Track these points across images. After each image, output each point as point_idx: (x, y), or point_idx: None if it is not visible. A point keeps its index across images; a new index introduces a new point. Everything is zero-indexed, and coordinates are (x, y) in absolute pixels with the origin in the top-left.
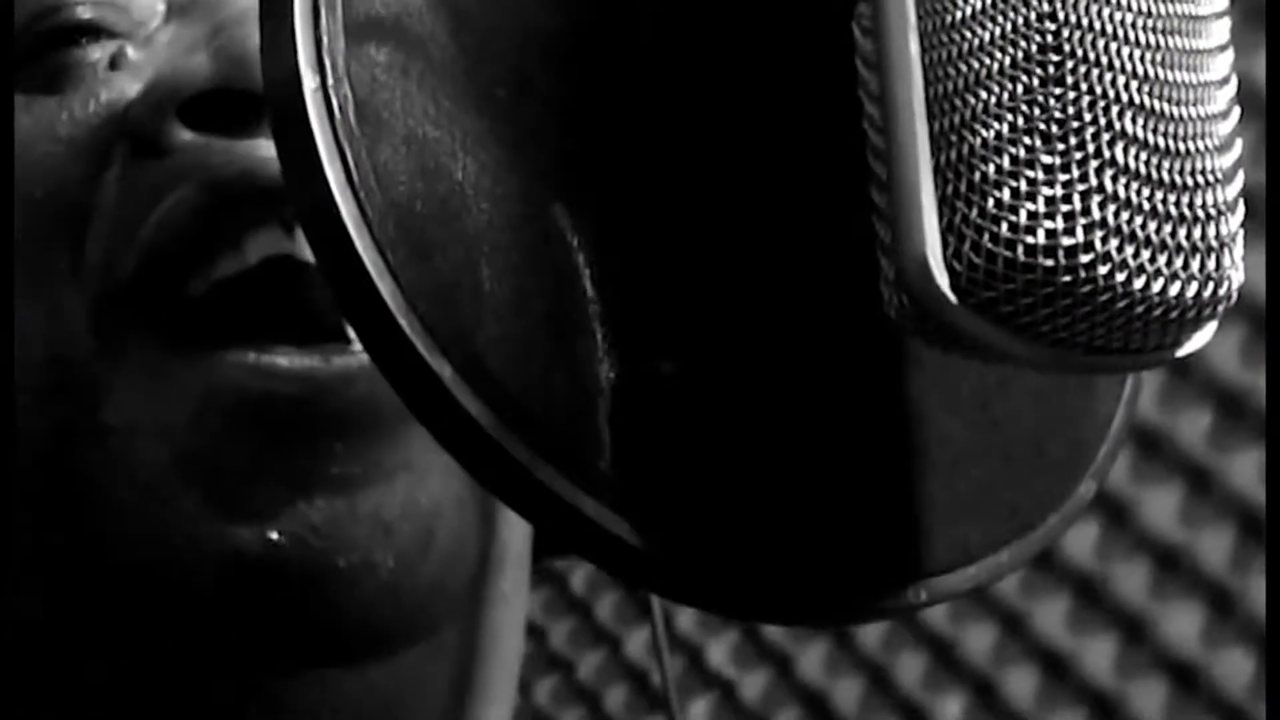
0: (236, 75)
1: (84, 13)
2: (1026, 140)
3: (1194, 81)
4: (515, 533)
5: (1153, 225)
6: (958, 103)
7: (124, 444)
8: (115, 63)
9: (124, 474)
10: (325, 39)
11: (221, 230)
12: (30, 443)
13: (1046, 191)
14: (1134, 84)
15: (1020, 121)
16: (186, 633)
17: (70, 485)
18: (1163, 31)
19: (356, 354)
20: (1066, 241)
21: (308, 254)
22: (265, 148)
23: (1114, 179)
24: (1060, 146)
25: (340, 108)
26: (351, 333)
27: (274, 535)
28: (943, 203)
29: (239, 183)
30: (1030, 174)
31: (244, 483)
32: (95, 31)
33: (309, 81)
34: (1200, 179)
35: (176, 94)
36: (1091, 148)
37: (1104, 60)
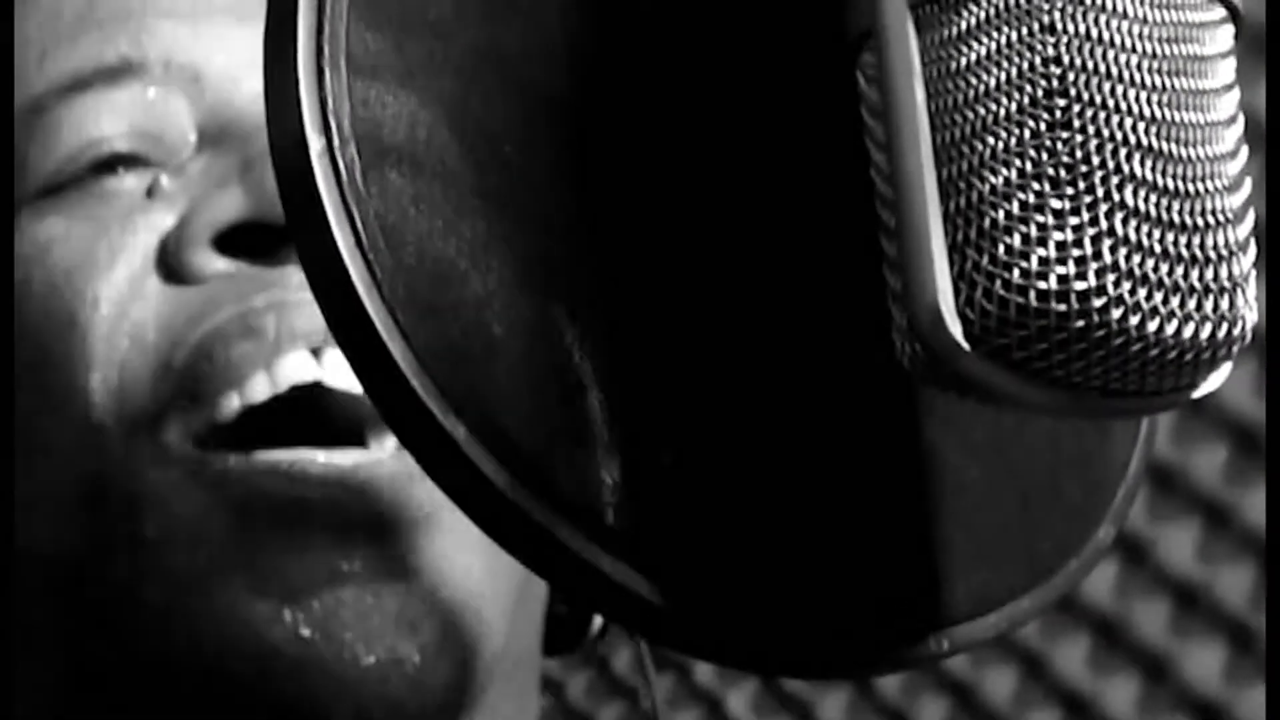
0: (268, 209)
1: (122, 144)
2: (1035, 185)
3: (1201, 122)
4: (530, 631)
5: (1164, 267)
6: (965, 149)
7: (160, 553)
8: (151, 192)
9: (160, 580)
10: (330, 100)
11: (252, 357)
12: (67, 554)
13: (1057, 236)
14: (1141, 126)
15: (1028, 166)
16: None
17: (107, 593)
18: (1168, 73)
19: (379, 459)
20: (1079, 286)
21: (335, 380)
22: (295, 275)
23: (1124, 222)
24: (1069, 191)
25: (347, 169)
26: (372, 439)
27: (305, 632)
28: (953, 250)
29: (270, 312)
30: (1040, 219)
31: (276, 583)
32: (132, 161)
33: (315, 143)
34: (1211, 219)
35: (210, 226)
36: (1100, 191)
37: (1110, 103)
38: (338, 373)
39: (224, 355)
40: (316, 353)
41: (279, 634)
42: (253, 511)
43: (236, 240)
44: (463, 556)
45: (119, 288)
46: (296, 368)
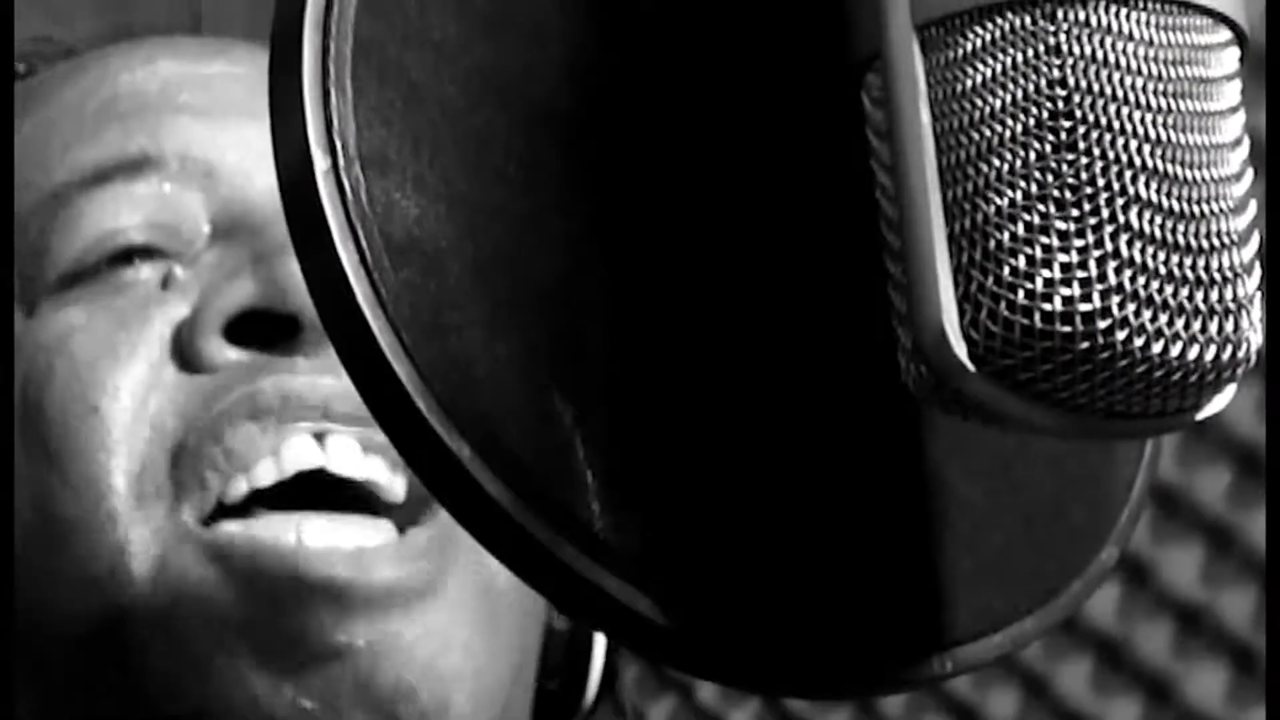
0: (278, 300)
1: (137, 236)
2: (1040, 207)
3: (1206, 144)
4: (524, 704)
5: (1169, 289)
6: (970, 171)
7: (173, 626)
8: (166, 282)
9: (172, 652)
10: (336, 120)
11: (258, 442)
12: (86, 629)
13: (1062, 258)
14: (1146, 148)
15: (1033, 188)
16: None
17: (122, 664)
18: (1174, 95)
19: (383, 530)
20: (1083, 308)
21: (338, 467)
22: (303, 366)
23: (1129, 244)
24: (1074, 212)
25: (352, 189)
26: (377, 509)
27: (307, 704)
28: (958, 271)
29: (278, 401)
30: (1045, 240)
31: (277, 657)
32: (148, 253)
33: (320, 163)
34: (1216, 241)
35: (222, 313)
36: (1106, 213)
37: (1116, 125)
38: (341, 459)
39: (231, 438)
40: (320, 438)
41: (281, 706)
42: (257, 587)
43: (247, 330)
44: (461, 631)
45: (138, 378)
46: (301, 454)
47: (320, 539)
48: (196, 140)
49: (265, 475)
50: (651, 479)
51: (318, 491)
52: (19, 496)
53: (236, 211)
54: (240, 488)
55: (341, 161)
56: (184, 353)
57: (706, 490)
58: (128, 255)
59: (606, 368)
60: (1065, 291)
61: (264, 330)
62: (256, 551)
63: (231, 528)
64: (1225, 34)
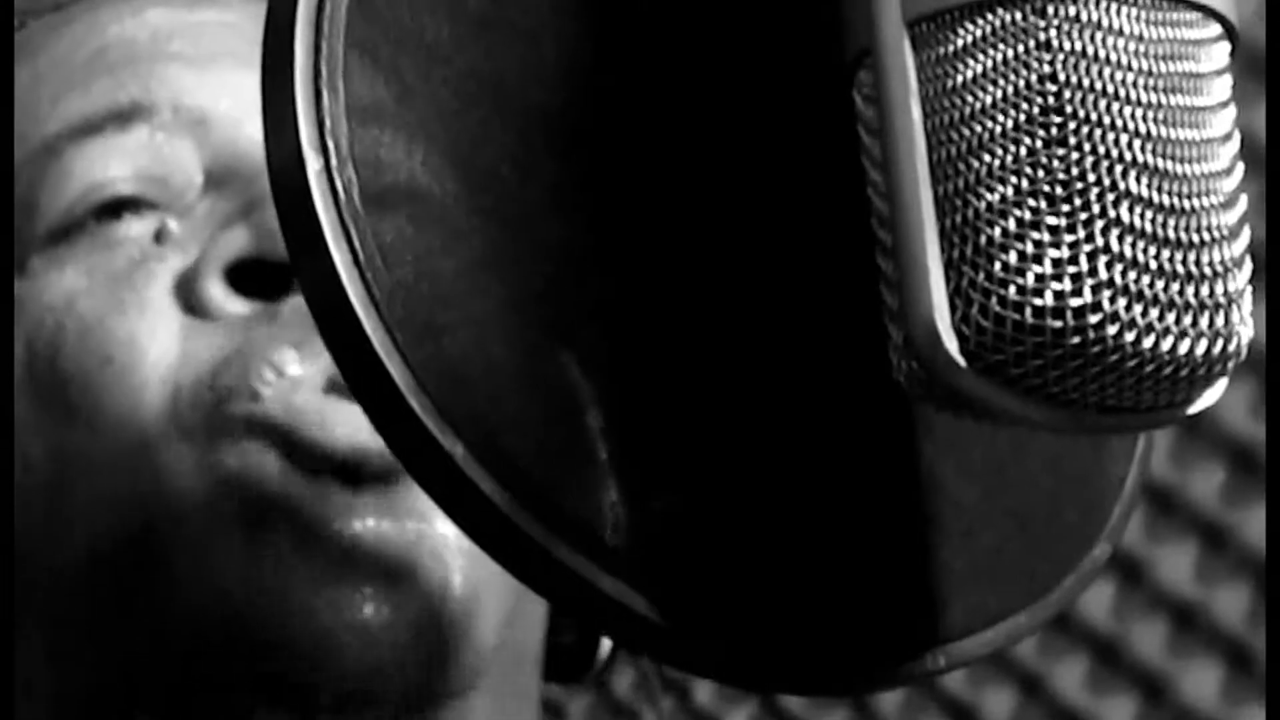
0: (271, 248)
1: (126, 188)
2: (1031, 202)
3: (1196, 139)
4: (529, 638)
5: (1160, 283)
6: (961, 167)
7: (203, 551)
8: (159, 237)
9: (204, 572)
10: (328, 121)
11: (264, 391)
12: (107, 572)
13: (1053, 253)
14: (1137, 143)
15: (1024, 184)
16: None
17: (152, 573)
18: (1164, 90)
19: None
20: (1074, 302)
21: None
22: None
23: (1120, 238)
24: (1065, 208)
25: (345, 189)
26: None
27: (367, 589)
28: (949, 267)
29: (284, 345)
30: (1036, 236)
31: (323, 533)
32: (137, 205)
33: (313, 164)
34: (1206, 236)
35: (220, 263)
36: (1096, 208)
37: (1106, 120)
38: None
39: (278, 355)
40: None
41: (326, 590)
42: (296, 460)
43: (246, 280)
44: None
45: (149, 326)
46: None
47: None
48: (188, 89)
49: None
50: (647, 478)
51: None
52: (31, 450)
53: (229, 159)
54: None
55: (334, 162)
56: (190, 301)
57: (702, 488)
58: (116, 208)
59: (601, 368)
60: (1056, 286)
61: (261, 279)
62: (295, 425)
63: (246, 442)
64: (1215, 29)
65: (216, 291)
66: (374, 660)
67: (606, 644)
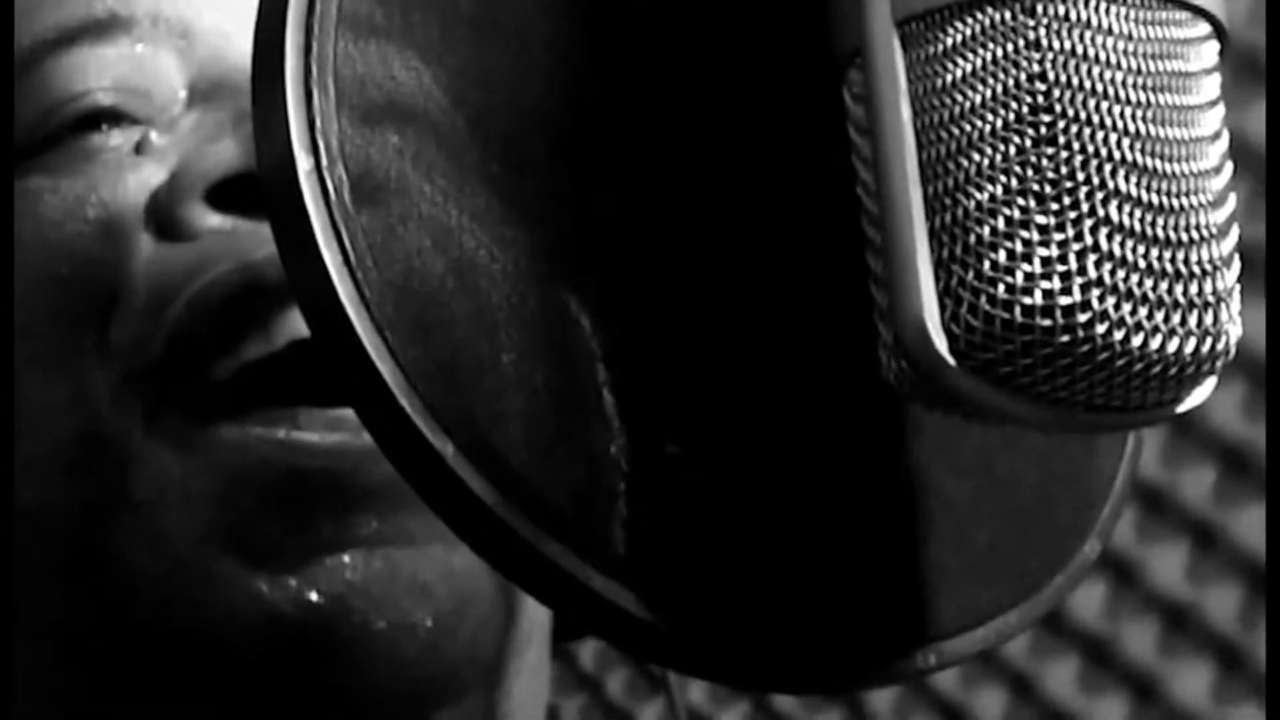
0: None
1: (105, 99)
2: (1021, 201)
3: (1185, 137)
4: (540, 608)
5: (1149, 282)
6: (951, 166)
7: (153, 517)
8: (140, 148)
9: (154, 545)
10: (318, 120)
11: (249, 313)
12: (59, 518)
13: (1042, 252)
14: (1126, 141)
15: (1014, 183)
16: (226, 698)
17: (101, 559)
18: (1153, 89)
19: None
20: (1064, 301)
21: None
22: None
23: (1109, 237)
24: (1054, 206)
25: (335, 189)
26: None
27: (313, 596)
28: (939, 266)
29: (266, 266)
30: (1025, 235)
31: (278, 550)
32: (117, 118)
33: (303, 163)
34: (1195, 234)
35: (204, 179)
36: (1085, 207)
37: (1095, 119)
38: None
39: (219, 312)
40: None
41: (283, 599)
42: (247, 481)
43: (230, 195)
44: None
45: (109, 245)
46: (295, 324)
47: (316, 428)
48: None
49: (256, 349)
50: (638, 477)
51: (311, 386)
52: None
53: (215, 73)
54: (229, 364)
55: (324, 161)
56: (161, 219)
57: (692, 488)
58: (95, 120)
59: (592, 367)
60: (1045, 285)
61: (247, 194)
62: (247, 442)
63: (219, 422)
64: (1204, 28)
65: (194, 211)
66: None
67: None
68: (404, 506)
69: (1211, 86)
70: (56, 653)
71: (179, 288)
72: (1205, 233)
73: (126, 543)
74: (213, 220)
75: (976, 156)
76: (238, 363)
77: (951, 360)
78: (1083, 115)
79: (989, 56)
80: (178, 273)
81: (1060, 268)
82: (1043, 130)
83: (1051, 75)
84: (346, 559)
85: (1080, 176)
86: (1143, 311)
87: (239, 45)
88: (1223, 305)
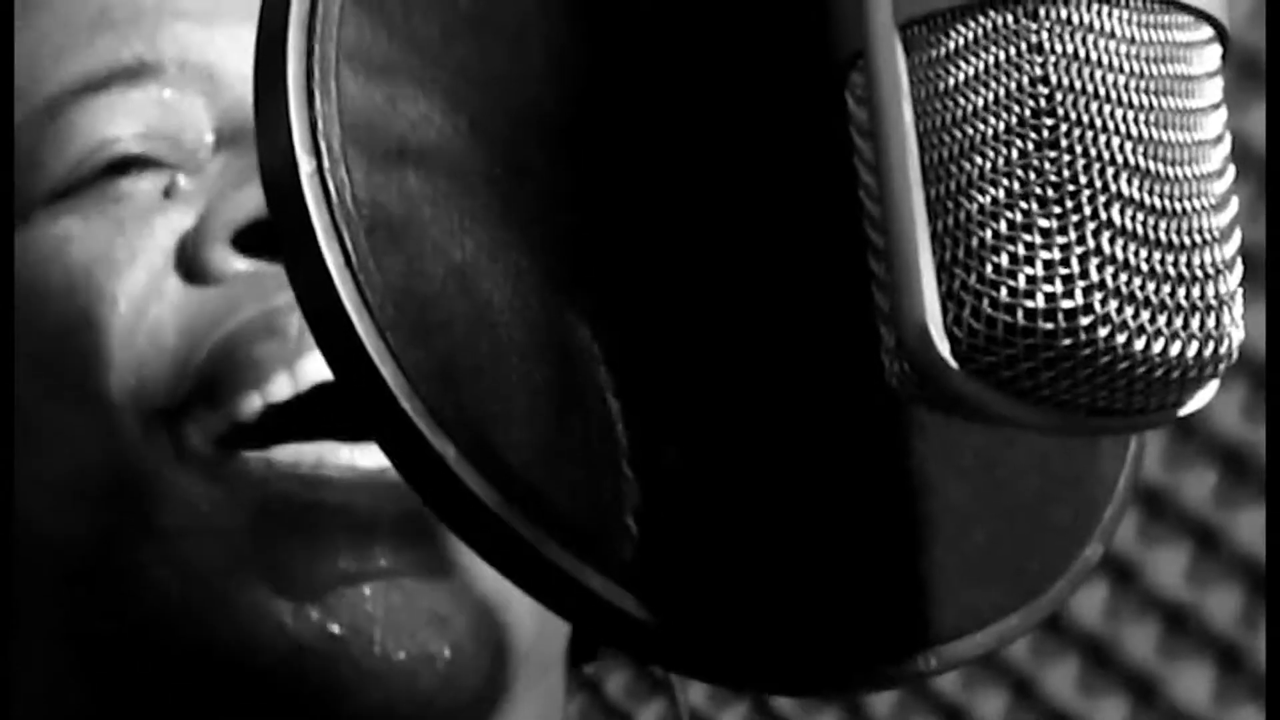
0: None
1: (135, 146)
2: (1023, 204)
3: (1188, 141)
4: (558, 634)
5: (1151, 286)
6: (953, 169)
7: (177, 545)
8: (169, 192)
9: (178, 570)
10: (320, 122)
11: (273, 356)
12: (81, 544)
13: (1044, 255)
14: (1128, 145)
15: (1016, 186)
16: None
17: (122, 581)
18: (1155, 92)
19: None
20: (1066, 305)
21: None
22: None
23: (1111, 241)
24: (1057, 210)
25: (337, 191)
26: None
27: (335, 628)
28: (941, 269)
29: (293, 310)
30: (1028, 238)
31: (301, 581)
32: (146, 163)
33: (305, 165)
34: (1197, 238)
35: (230, 224)
36: (1088, 210)
37: (1098, 123)
38: None
39: (246, 355)
40: None
41: (306, 630)
42: (271, 513)
43: (256, 239)
44: None
45: (138, 287)
46: (319, 366)
47: (340, 461)
48: (195, 45)
49: (280, 390)
50: (639, 479)
51: (335, 421)
52: (30, 422)
53: (240, 118)
54: (254, 404)
55: (326, 163)
56: (189, 263)
57: (693, 489)
58: (124, 166)
59: (594, 370)
60: (1048, 288)
61: (272, 239)
62: (271, 475)
63: (244, 453)
64: (1207, 31)
65: (220, 255)
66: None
67: None
68: (423, 539)
69: (1214, 90)
70: (71, 670)
71: (207, 331)
72: (1208, 236)
73: (150, 567)
74: (239, 265)
75: (979, 160)
76: (263, 404)
77: (954, 363)
78: (1085, 119)
79: (991, 60)
80: (205, 316)
81: (1062, 271)
82: (1045, 134)
83: (1054, 79)
84: (367, 591)
85: (1083, 180)
86: (1145, 315)
87: None
88: (1225, 309)
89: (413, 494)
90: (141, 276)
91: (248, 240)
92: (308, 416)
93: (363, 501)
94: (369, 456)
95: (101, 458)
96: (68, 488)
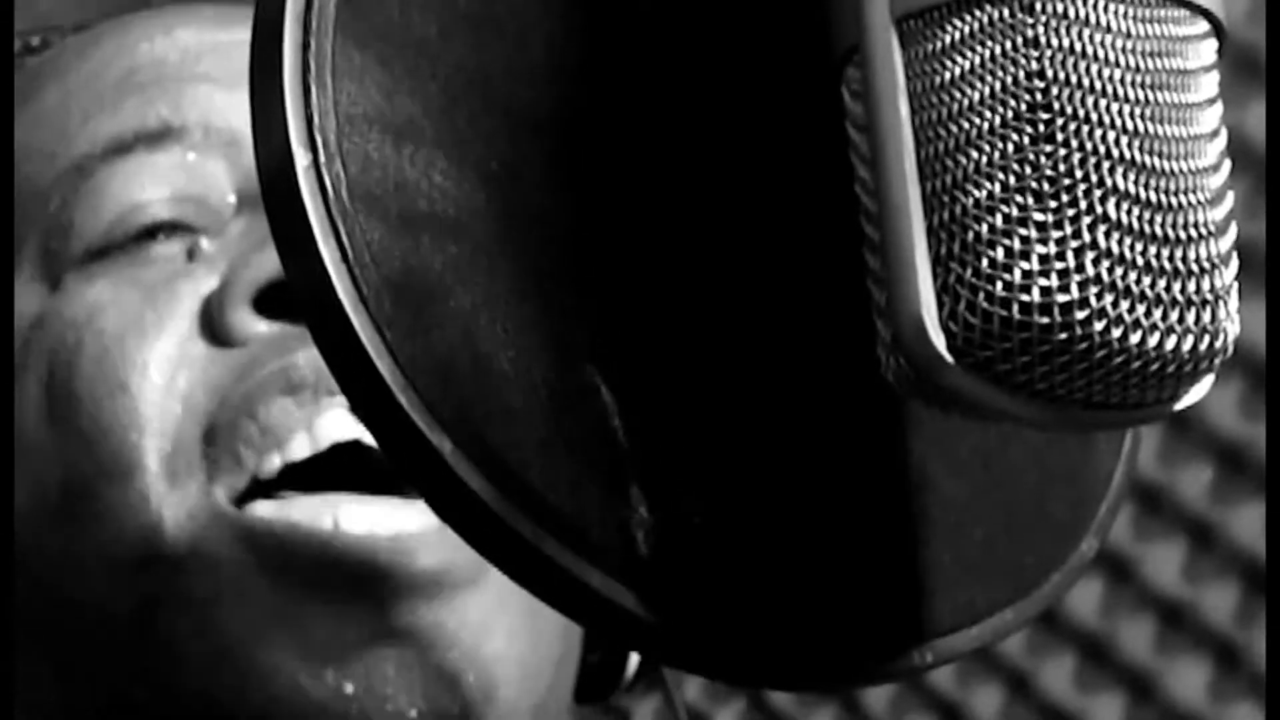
0: None
1: (163, 211)
2: (1019, 199)
3: (1184, 135)
4: (568, 681)
5: (1147, 280)
6: (949, 163)
7: (207, 612)
8: (192, 254)
9: (207, 638)
10: (316, 116)
11: (293, 415)
12: (116, 612)
13: (1040, 249)
14: (1124, 139)
15: (1012, 180)
16: None
17: (154, 649)
18: (1151, 86)
19: (419, 528)
20: (1061, 299)
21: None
22: None
23: (1107, 235)
24: (1052, 204)
25: (333, 185)
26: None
27: (349, 689)
28: (937, 263)
29: (310, 368)
30: (1023, 232)
31: (317, 643)
32: (174, 228)
33: (301, 159)
34: (1193, 232)
35: (251, 286)
36: (1084, 204)
37: (1094, 117)
38: None
39: (265, 413)
40: None
41: (322, 692)
42: (292, 571)
43: (277, 300)
44: (505, 617)
45: (167, 354)
46: (336, 426)
47: (357, 523)
48: (218, 109)
49: (299, 449)
50: (635, 475)
51: (353, 473)
52: (46, 476)
53: None
54: (274, 463)
55: (322, 158)
56: (213, 326)
57: (689, 485)
58: (153, 231)
59: (590, 366)
60: (1043, 283)
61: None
62: (291, 536)
63: (265, 510)
64: (1203, 26)
65: (242, 317)
66: None
67: (633, 663)
68: (436, 597)
69: (1210, 84)
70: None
71: (230, 391)
72: (1203, 230)
73: (180, 634)
74: (259, 327)
75: (975, 153)
76: (283, 463)
77: (949, 357)
78: (1081, 113)
79: (987, 53)
80: (230, 377)
81: (1058, 265)
82: (1041, 127)
83: (1050, 72)
84: (382, 651)
85: (1078, 174)
86: (1140, 309)
87: None
88: (1221, 303)
89: (425, 559)
90: (171, 344)
91: (269, 301)
92: (327, 474)
93: (379, 559)
94: (386, 517)
95: (139, 528)
96: (112, 558)
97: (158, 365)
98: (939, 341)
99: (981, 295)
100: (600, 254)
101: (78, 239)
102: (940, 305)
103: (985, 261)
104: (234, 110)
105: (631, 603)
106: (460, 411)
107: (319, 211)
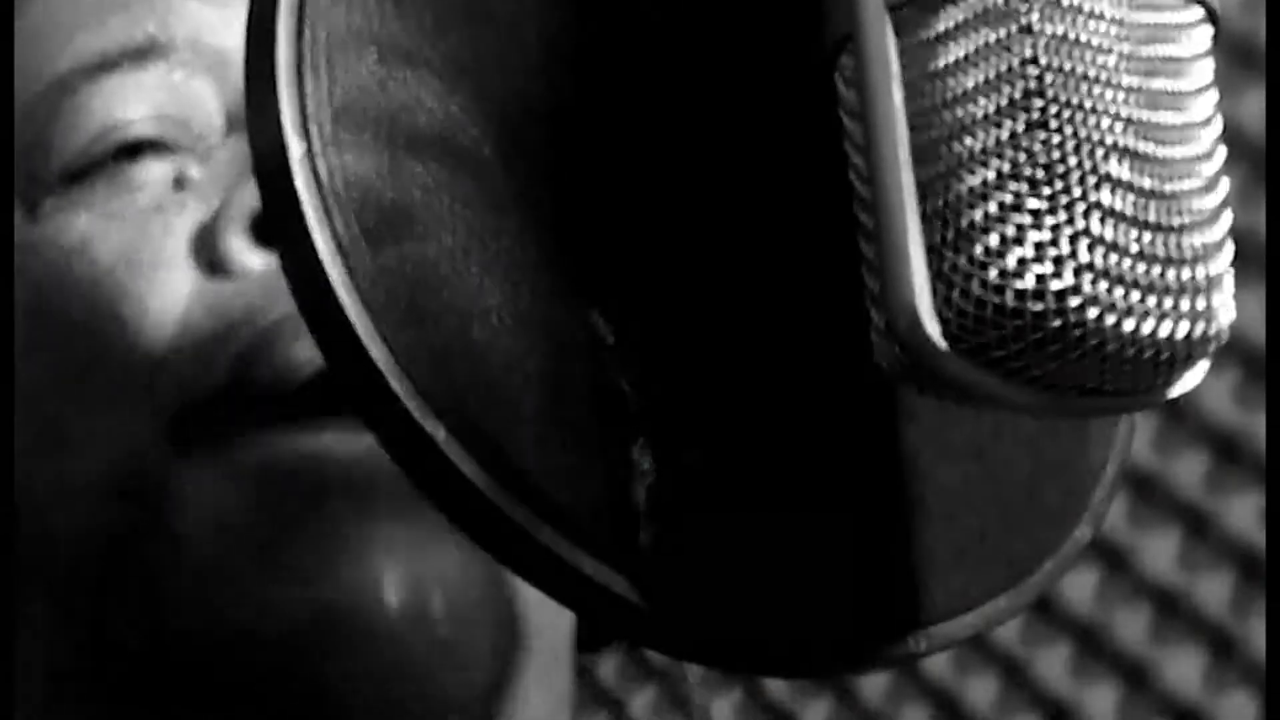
0: None
1: (147, 129)
2: (1012, 186)
3: (1177, 123)
4: (565, 622)
5: (1140, 267)
6: (943, 150)
7: (188, 545)
8: (180, 183)
9: (187, 568)
10: (311, 105)
11: (310, 355)
12: (94, 539)
13: (1034, 236)
14: (1118, 127)
15: (1005, 167)
16: (240, 710)
17: (133, 581)
18: (1145, 74)
19: None
20: (1055, 285)
21: None
22: None
23: (1100, 222)
24: (1046, 191)
25: (328, 173)
26: None
27: (338, 596)
28: (930, 251)
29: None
30: (1017, 219)
31: (300, 557)
32: (157, 147)
33: (295, 148)
34: (1187, 219)
35: (246, 214)
36: (1077, 191)
37: (1087, 104)
38: None
39: (283, 354)
40: None
41: (305, 607)
42: (274, 496)
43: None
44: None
45: (162, 284)
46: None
47: (340, 448)
48: (207, 25)
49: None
50: (629, 462)
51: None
52: (31, 407)
53: None
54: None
55: (316, 146)
56: (209, 256)
57: (684, 473)
58: (135, 150)
59: (584, 354)
60: (1037, 269)
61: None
62: (277, 459)
63: (251, 442)
64: (1197, 12)
65: (237, 245)
66: (396, 660)
67: None
68: (424, 511)
69: (1203, 71)
70: (77, 673)
71: (229, 332)
72: (1197, 217)
73: (160, 564)
74: (258, 256)
75: (969, 141)
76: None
77: (943, 345)
78: (1074, 100)
79: (981, 41)
80: (228, 313)
81: (1052, 252)
82: (1034, 115)
83: (1044, 60)
84: (365, 564)
85: (1072, 161)
86: (1134, 296)
87: None
88: (1214, 290)
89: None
90: (165, 274)
91: (262, 227)
92: (312, 398)
93: (363, 476)
94: (371, 442)
95: (124, 459)
96: (93, 489)
97: (153, 296)
98: (933, 328)
99: (975, 282)
100: (595, 243)
101: (56, 158)
102: (934, 292)
103: (979, 248)
104: (224, 28)
105: (624, 588)
106: (454, 399)
107: (313, 200)
